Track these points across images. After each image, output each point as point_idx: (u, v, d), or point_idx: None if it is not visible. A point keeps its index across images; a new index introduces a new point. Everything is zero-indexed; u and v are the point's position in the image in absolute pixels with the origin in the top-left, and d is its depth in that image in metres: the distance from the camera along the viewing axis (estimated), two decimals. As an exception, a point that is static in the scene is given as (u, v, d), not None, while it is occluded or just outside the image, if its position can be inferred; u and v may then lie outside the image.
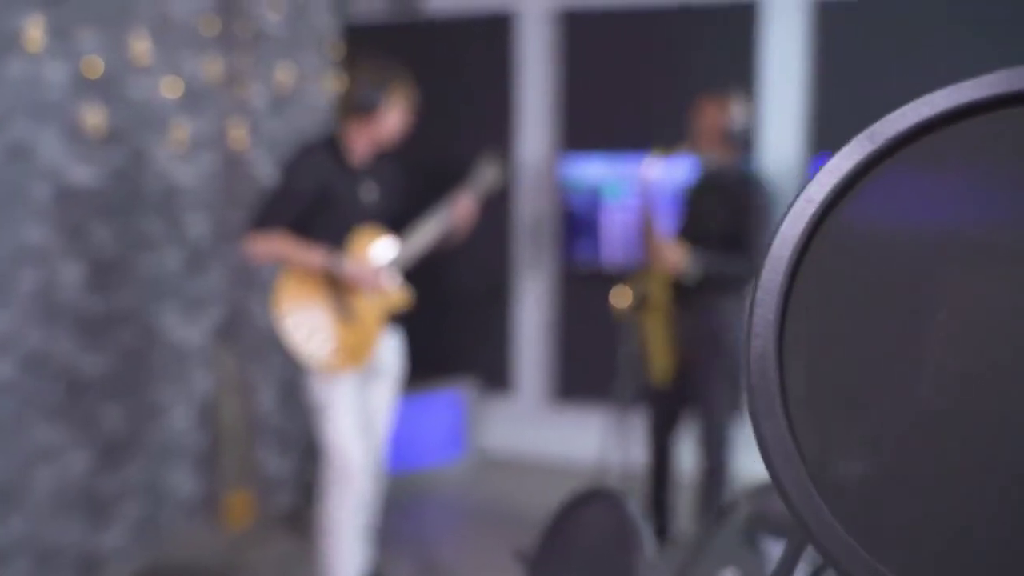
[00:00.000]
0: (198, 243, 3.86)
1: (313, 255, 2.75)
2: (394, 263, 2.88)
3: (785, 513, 0.75)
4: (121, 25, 3.36)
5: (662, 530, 3.57)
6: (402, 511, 3.94)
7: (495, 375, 4.91)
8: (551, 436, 4.84)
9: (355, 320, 2.83)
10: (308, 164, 2.75)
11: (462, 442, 4.66)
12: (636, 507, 0.61)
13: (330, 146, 2.83)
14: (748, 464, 4.40)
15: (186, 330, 3.80)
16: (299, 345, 2.75)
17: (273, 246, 2.75)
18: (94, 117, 3.19)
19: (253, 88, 3.90)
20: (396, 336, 3.06)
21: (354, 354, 2.82)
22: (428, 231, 2.91)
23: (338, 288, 2.80)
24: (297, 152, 2.81)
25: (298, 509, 4.00)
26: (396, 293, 2.93)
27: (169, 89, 3.64)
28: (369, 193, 2.88)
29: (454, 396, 4.65)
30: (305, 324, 2.77)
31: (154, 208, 3.59)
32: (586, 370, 4.76)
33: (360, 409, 2.92)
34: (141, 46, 3.40)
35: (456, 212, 2.93)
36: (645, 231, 3.32)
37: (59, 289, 3.12)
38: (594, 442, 4.73)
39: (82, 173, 3.21)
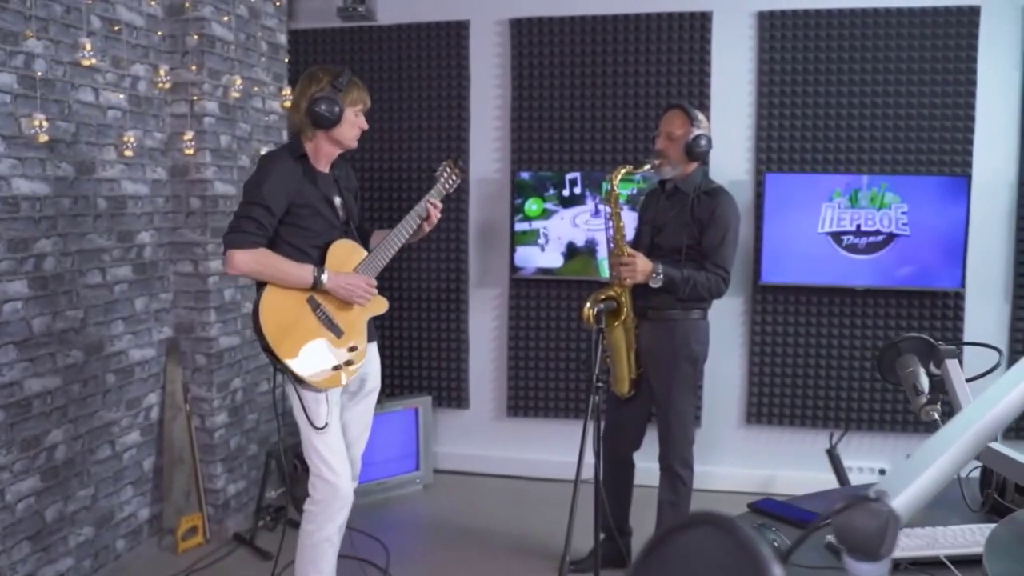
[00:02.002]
0: (146, 256, 3.73)
1: (302, 270, 2.65)
2: (371, 271, 2.82)
3: (869, 531, 0.74)
4: (68, 32, 3.23)
5: (624, 547, 3.56)
6: (357, 525, 3.85)
7: (449, 391, 4.86)
8: (504, 450, 4.81)
9: (343, 333, 2.75)
10: (280, 175, 2.65)
11: (417, 457, 4.59)
12: (753, 531, 0.59)
13: (295, 156, 2.75)
14: (709, 473, 4.45)
15: (134, 348, 3.66)
16: (294, 365, 2.64)
17: (258, 261, 2.61)
18: (38, 126, 3.04)
19: (202, 97, 3.79)
20: (374, 346, 3.00)
21: (348, 367, 2.75)
22: (398, 236, 2.86)
23: (323, 301, 2.72)
24: (266, 163, 2.71)
25: (251, 531, 3.87)
26: (377, 301, 2.88)
27: (116, 98, 3.51)
28: (336, 201, 2.82)
29: (409, 412, 4.58)
30: (297, 343, 2.65)
31: (100, 220, 3.45)
32: (538, 385, 4.74)
33: (342, 424, 2.85)
34: (88, 54, 3.26)
35: (426, 216, 2.89)
36: (614, 243, 3.32)
37: (1, 305, 2.97)
38: (546, 456, 4.72)
39: (26, 183, 3.07)
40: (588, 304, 3.37)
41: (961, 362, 1.88)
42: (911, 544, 1.70)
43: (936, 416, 1.95)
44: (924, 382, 2.00)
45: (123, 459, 3.62)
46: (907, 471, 0.80)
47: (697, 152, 3.30)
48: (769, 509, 2.02)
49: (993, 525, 1.70)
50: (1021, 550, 1.33)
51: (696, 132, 3.29)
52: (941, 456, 0.82)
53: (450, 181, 2.99)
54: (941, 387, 2.00)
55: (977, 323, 4.26)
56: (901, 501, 0.76)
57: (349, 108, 2.74)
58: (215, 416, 3.88)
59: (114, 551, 3.58)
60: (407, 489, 4.54)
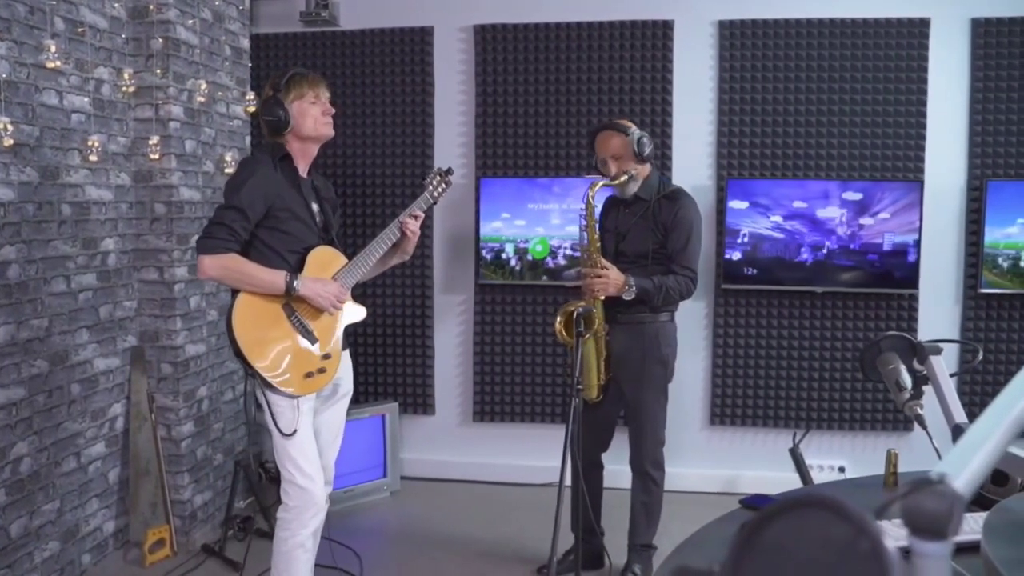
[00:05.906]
0: (110, 263, 3.64)
1: (276, 277, 2.62)
2: (349, 279, 2.80)
3: (937, 513, 0.78)
4: (32, 33, 3.15)
5: (598, 547, 3.58)
6: (327, 533, 3.81)
7: (415, 397, 4.84)
8: (470, 456, 4.81)
9: (318, 340, 2.73)
10: (258, 178, 2.62)
11: (384, 464, 4.57)
12: (872, 518, 0.61)
13: (274, 160, 2.72)
14: (673, 474, 4.51)
15: (99, 357, 3.58)
16: (266, 371, 2.61)
17: (232, 267, 2.58)
18: (3, 129, 2.96)
19: (167, 101, 3.72)
20: (347, 352, 2.98)
21: (321, 374, 2.73)
22: (378, 246, 2.85)
23: (297, 308, 2.70)
24: (245, 166, 2.68)
25: (219, 542, 3.80)
26: (354, 309, 2.87)
27: (80, 101, 3.43)
28: (314, 207, 2.80)
29: (376, 419, 4.56)
30: (270, 348, 2.63)
31: (65, 226, 3.37)
32: (504, 390, 4.76)
33: (315, 430, 2.82)
34: (52, 56, 3.19)
35: (407, 227, 2.89)
36: (587, 255, 3.34)
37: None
38: (513, 460, 4.74)
39: (-10, 189, 2.99)
40: (559, 318, 3.39)
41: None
42: (904, 533, 1.75)
43: (920, 410, 2.02)
44: (906, 378, 2.07)
45: (88, 471, 3.53)
46: (962, 454, 0.84)
47: (647, 153, 3.33)
48: (762, 505, 2.06)
49: (979, 514, 1.77)
50: (1016, 535, 1.39)
51: (635, 137, 3.32)
52: (991, 437, 0.86)
53: (438, 191, 3.01)
54: (922, 382, 2.07)
55: (930, 323, 4.40)
56: (962, 482, 0.80)
57: (296, 102, 2.72)
58: (181, 426, 3.81)
59: (80, 565, 3.48)
60: (375, 496, 4.51)
